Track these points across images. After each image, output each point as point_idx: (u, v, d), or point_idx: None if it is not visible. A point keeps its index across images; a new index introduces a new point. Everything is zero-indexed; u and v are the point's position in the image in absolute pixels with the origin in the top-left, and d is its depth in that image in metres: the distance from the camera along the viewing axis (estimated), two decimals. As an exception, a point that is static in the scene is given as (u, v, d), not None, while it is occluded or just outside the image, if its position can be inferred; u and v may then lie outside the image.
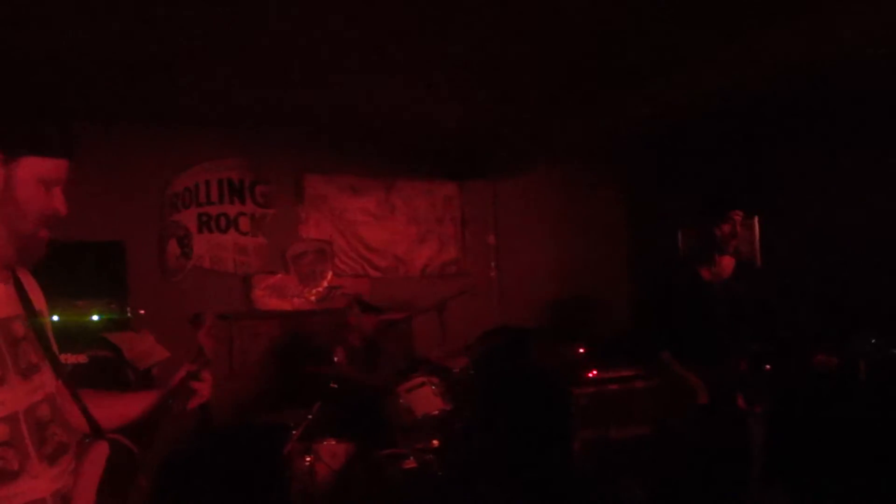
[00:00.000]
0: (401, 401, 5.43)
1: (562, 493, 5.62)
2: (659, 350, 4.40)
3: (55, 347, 1.97)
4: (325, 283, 7.56)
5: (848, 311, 5.63)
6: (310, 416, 5.14)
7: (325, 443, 5.05)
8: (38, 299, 1.96)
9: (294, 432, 5.07)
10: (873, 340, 3.95)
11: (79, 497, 1.85)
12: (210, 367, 2.36)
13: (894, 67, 5.04)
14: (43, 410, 1.82)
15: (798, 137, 6.51)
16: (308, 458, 4.96)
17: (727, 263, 4.31)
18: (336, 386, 5.50)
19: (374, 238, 7.89)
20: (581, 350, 6.77)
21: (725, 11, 4.45)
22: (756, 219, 6.78)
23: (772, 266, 6.51)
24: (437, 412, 5.42)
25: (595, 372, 6.18)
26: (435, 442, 5.43)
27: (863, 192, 5.97)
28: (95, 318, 5.62)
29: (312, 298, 7.47)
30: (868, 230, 5.85)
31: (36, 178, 1.80)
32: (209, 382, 2.32)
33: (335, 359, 5.78)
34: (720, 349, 4.19)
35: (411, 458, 5.19)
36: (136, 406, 2.23)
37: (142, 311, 6.01)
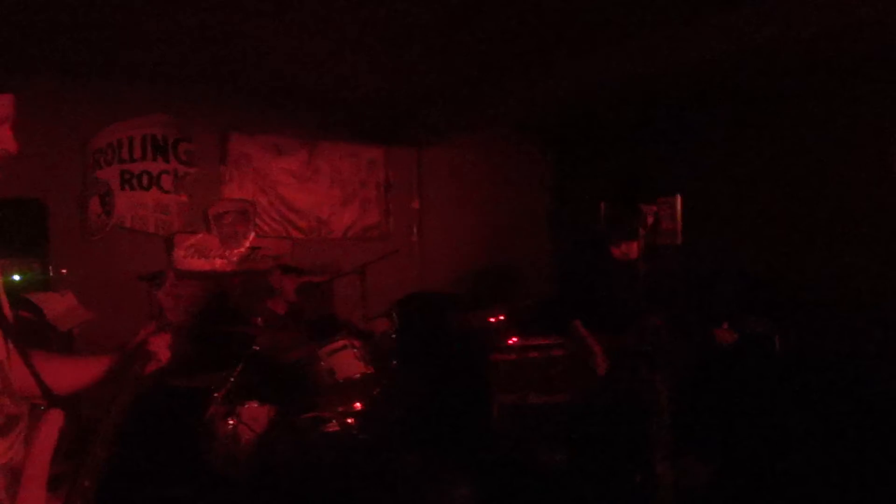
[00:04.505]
0: (322, 364, 5.46)
1: (481, 457, 5.75)
2: (570, 318, 4.82)
3: (7, 308, 1.82)
4: (247, 244, 7.47)
5: (767, 288, 5.91)
6: (232, 379, 5.12)
7: (247, 406, 5.05)
8: None
9: (216, 395, 5.06)
10: (775, 320, 4.22)
11: (31, 468, 1.70)
12: (171, 330, 2.23)
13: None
14: None
15: (723, 118, 6.73)
16: (231, 421, 4.94)
17: (634, 247, 4.72)
18: (258, 349, 5.49)
19: (296, 199, 7.84)
20: (501, 317, 6.86)
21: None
22: (678, 197, 7.00)
23: (693, 243, 6.77)
24: (358, 375, 5.47)
25: (515, 339, 6.28)
26: (356, 405, 5.48)
27: (785, 175, 6.25)
28: (16, 277, 5.47)
29: (234, 259, 7.39)
30: (791, 212, 6.17)
31: None
32: (166, 346, 2.18)
33: (257, 321, 5.75)
34: (622, 320, 4.56)
35: (333, 421, 5.23)
36: (90, 371, 2.11)
37: (64, 271, 5.87)
